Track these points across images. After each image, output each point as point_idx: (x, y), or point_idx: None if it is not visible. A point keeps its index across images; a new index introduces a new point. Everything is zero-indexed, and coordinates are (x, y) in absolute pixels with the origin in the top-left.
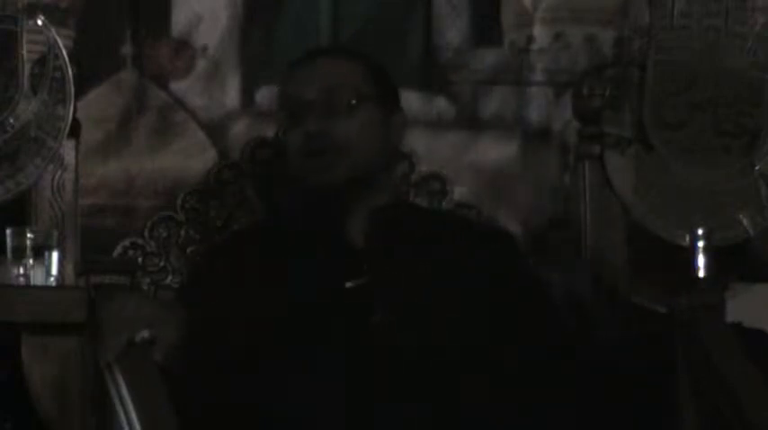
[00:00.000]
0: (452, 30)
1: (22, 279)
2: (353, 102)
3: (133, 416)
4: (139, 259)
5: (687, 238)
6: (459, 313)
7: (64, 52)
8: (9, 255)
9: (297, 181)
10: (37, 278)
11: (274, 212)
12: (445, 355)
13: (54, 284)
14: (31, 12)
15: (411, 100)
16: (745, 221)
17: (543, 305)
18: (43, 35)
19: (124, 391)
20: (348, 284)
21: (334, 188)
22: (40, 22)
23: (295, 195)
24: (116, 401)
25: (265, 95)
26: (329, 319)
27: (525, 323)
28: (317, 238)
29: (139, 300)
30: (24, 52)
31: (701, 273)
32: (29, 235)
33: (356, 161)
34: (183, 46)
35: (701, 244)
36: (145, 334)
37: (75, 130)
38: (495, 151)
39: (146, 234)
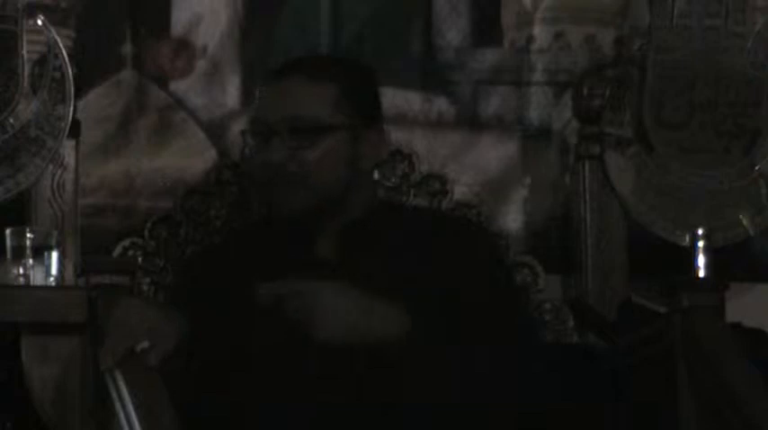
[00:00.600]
0: (452, 30)
1: (22, 279)
2: (316, 132)
3: (133, 416)
4: (139, 259)
5: (687, 238)
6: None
7: (64, 52)
8: (9, 255)
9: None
10: (37, 278)
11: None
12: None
13: (54, 284)
14: (31, 12)
15: (411, 100)
16: (745, 221)
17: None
18: (43, 35)
19: (125, 393)
20: None
21: (296, 217)
22: (40, 22)
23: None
24: (116, 403)
25: None
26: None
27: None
28: (289, 254)
29: (142, 307)
30: (24, 52)
31: (701, 273)
32: (29, 235)
33: (318, 190)
34: (183, 46)
35: (700, 244)
36: (145, 344)
37: (75, 130)
38: (495, 151)
39: (146, 234)
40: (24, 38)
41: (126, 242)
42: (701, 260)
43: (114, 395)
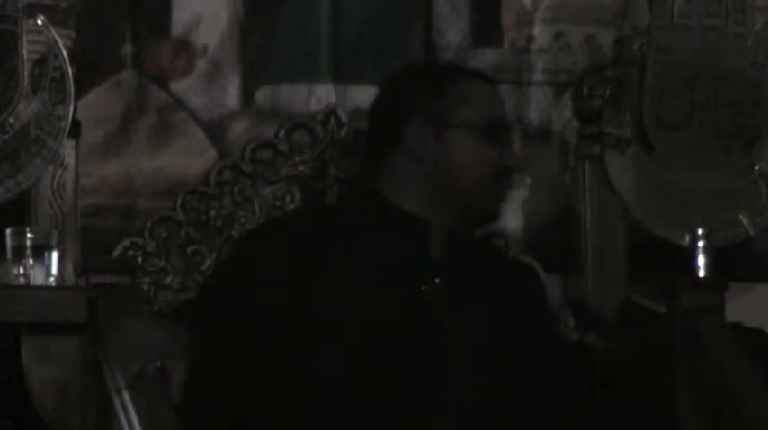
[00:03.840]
0: (452, 30)
1: (22, 279)
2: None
3: (133, 417)
4: (139, 259)
5: (687, 238)
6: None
7: (64, 52)
8: (9, 255)
9: (460, 197)
10: (37, 278)
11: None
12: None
13: (54, 284)
14: (31, 12)
15: None
16: (745, 221)
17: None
18: (43, 35)
19: (125, 393)
20: (423, 287)
21: (491, 218)
22: (40, 22)
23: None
24: (116, 404)
25: (265, 95)
26: (401, 317)
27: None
28: (396, 245)
29: (149, 328)
30: (24, 52)
31: (701, 273)
32: (29, 235)
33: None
34: (183, 46)
35: (701, 244)
36: (157, 364)
37: (75, 130)
38: None
39: (146, 234)
40: (24, 38)
41: (126, 242)
42: (700, 260)
43: (114, 395)
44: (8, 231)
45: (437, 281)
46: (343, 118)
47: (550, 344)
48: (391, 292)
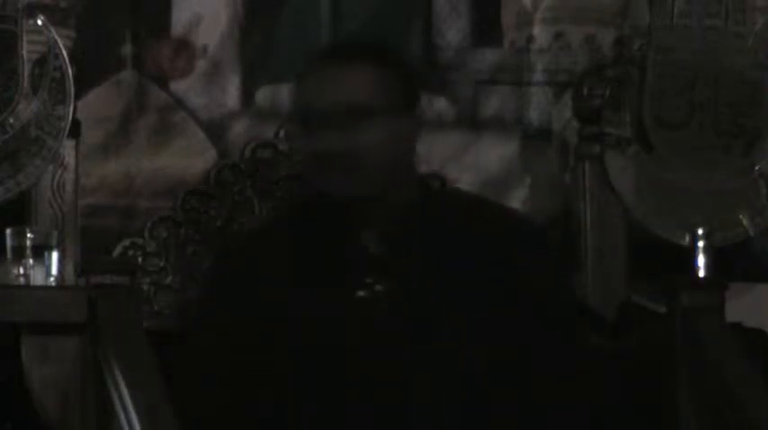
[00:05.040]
0: (452, 30)
1: (22, 279)
2: (368, 118)
3: (133, 416)
4: (139, 259)
5: (687, 238)
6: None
7: (64, 52)
8: (9, 255)
9: (311, 191)
10: (37, 278)
11: (287, 214)
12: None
13: (54, 284)
14: (31, 12)
15: None
16: (745, 221)
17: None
18: (43, 35)
19: (125, 393)
20: (360, 293)
21: (352, 204)
22: (40, 22)
23: (307, 201)
24: (116, 403)
25: (265, 95)
26: (340, 325)
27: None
28: (331, 246)
29: None
30: (24, 52)
31: (701, 273)
32: (29, 235)
33: (371, 177)
34: (183, 46)
35: (701, 244)
36: None
37: (75, 130)
38: (495, 151)
39: (146, 234)
40: (24, 38)
41: (126, 242)
42: (701, 260)
43: (114, 395)
44: (8, 231)
45: (376, 287)
46: None
47: (532, 329)
48: (351, 292)
